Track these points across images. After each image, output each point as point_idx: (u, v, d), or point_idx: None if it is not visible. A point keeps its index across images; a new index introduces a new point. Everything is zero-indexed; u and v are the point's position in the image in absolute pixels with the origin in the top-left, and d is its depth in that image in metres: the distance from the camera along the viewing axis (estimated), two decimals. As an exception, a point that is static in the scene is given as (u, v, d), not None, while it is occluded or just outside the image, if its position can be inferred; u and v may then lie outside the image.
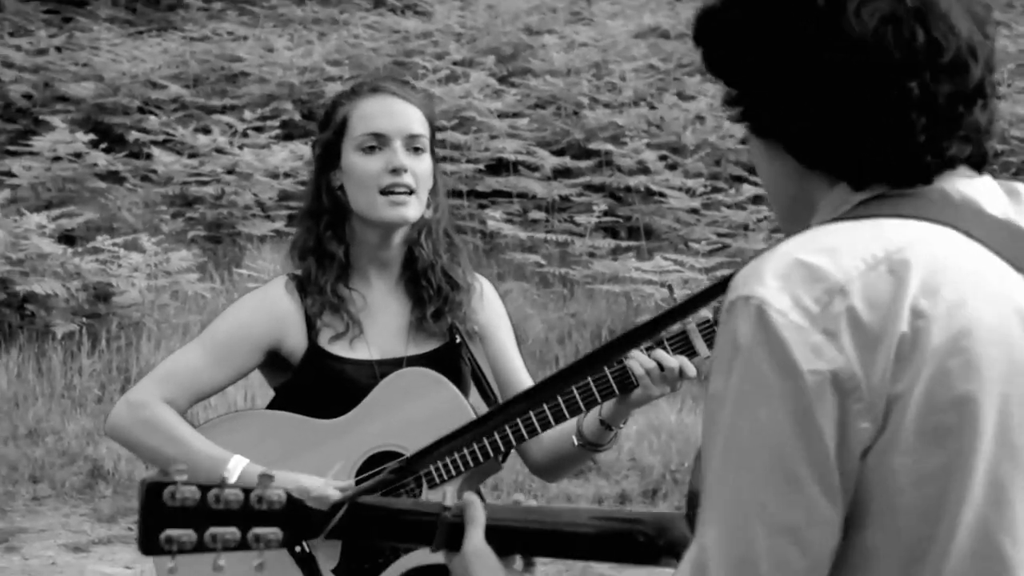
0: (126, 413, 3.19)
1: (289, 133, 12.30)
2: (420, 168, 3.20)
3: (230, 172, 11.52)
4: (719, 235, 10.98)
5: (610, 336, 9.50)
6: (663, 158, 11.91)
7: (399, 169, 3.16)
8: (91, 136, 11.71)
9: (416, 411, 3.14)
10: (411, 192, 3.17)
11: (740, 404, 1.51)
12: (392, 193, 3.16)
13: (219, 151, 11.75)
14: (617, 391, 3.06)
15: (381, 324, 3.27)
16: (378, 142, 3.19)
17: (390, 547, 3.16)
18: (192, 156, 11.78)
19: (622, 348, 1.85)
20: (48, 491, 7.89)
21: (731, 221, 11.22)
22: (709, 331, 3.05)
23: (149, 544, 1.90)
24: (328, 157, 3.25)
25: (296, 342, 3.23)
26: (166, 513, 1.90)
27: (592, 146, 12.06)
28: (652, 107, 12.66)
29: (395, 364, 3.23)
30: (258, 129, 12.10)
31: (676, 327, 3.03)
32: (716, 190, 11.42)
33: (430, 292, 3.26)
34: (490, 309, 3.37)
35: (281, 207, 11.19)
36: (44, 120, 12.34)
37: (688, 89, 13.06)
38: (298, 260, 3.29)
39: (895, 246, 1.53)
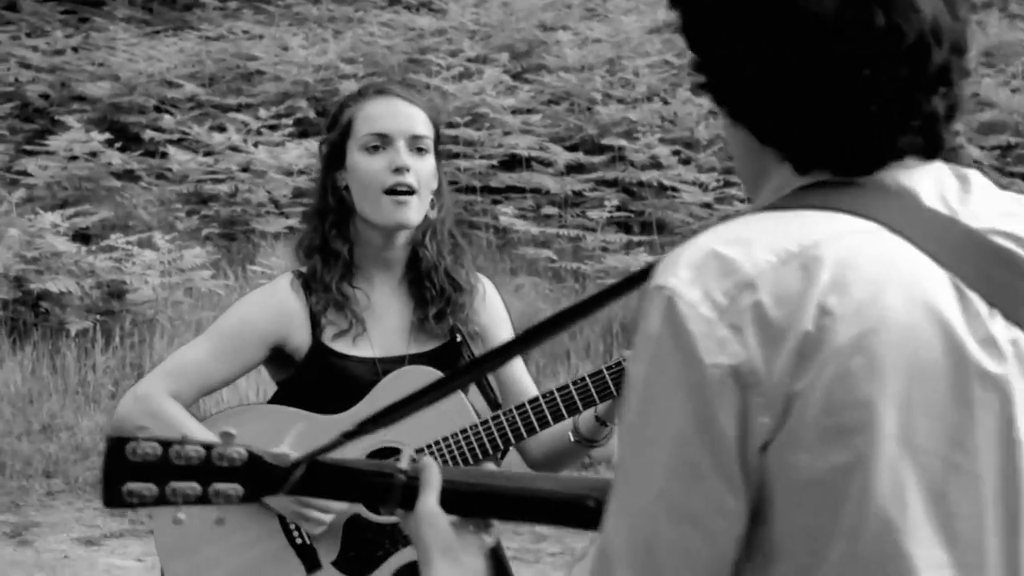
0: (133, 406, 3.24)
1: (304, 131, 12.34)
2: (423, 169, 3.23)
3: (244, 170, 11.58)
4: (732, 230, 10.95)
5: (613, 328, 9.53)
6: (676, 153, 11.92)
7: (401, 168, 3.19)
8: (107, 135, 11.78)
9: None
10: (413, 192, 3.20)
11: (647, 393, 1.52)
12: (394, 192, 3.19)
13: (234, 149, 11.81)
14: (615, 391, 3.09)
15: (384, 323, 3.31)
16: (381, 142, 3.23)
17: (389, 540, 3.20)
18: (207, 154, 11.84)
19: (556, 326, 1.78)
20: (62, 486, 7.96)
21: (744, 216, 11.21)
22: None
23: (111, 496, 1.95)
24: (334, 157, 3.29)
25: (300, 338, 3.27)
26: (128, 467, 1.94)
27: (605, 141, 12.08)
28: (665, 102, 12.66)
29: (397, 362, 3.26)
30: (273, 127, 12.15)
31: None
32: (728, 184, 11.42)
33: (433, 293, 3.30)
34: (491, 310, 3.40)
35: (295, 204, 11.22)
36: (60, 120, 12.41)
37: (701, 84, 13.04)
38: (304, 258, 3.33)
39: (810, 241, 1.51)
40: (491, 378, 3.33)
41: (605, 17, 14.74)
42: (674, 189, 11.53)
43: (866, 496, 1.48)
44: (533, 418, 3.14)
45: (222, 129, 12.24)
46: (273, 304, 3.30)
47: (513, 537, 6.88)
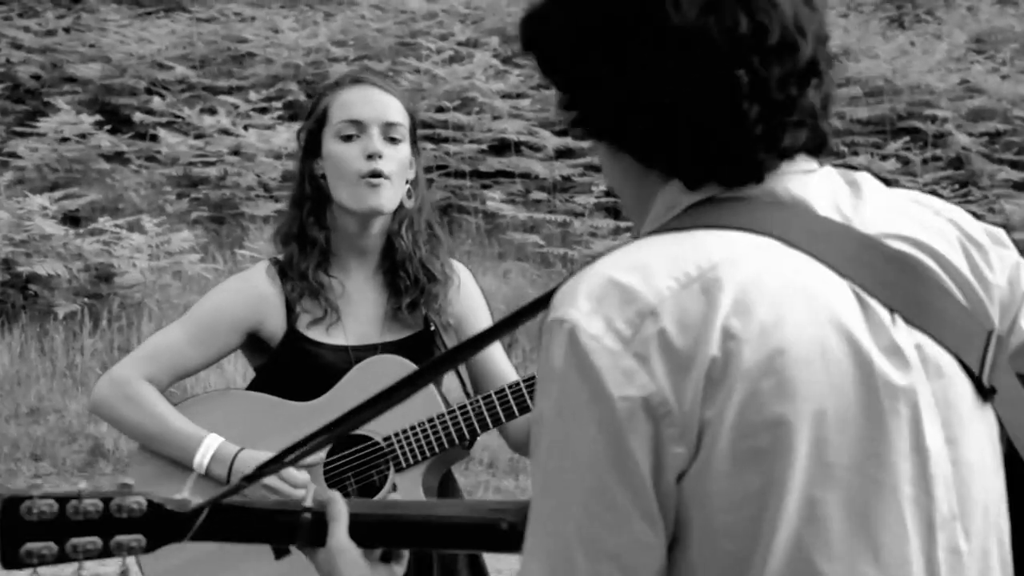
0: (108, 389, 3.29)
1: (294, 114, 12.33)
2: (396, 156, 3.26)
3: (234, 153, 11.59)
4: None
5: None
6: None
7: (374, 155, 3.23)
8: (97, 117, 11.78)
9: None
10: (385, 178, 3.23)
11: (556, 429, 1.48)
12: (367, 177, 3.22)
13: (224, 132, 11.81)
14: None
15: (358, 311, 3.34)
16: (356, 129, 3.26)
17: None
18: (198, 137, 11.84)
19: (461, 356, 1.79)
20: (50, 469, 8.00)
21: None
22: None
23: (9, 559, 1.92)
24: (311, 146, 3.33)
25: (275, 325, 3.31)
26: (25, 527, 1.91)
27: (594, 127, 12.07)
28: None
29: (370, 350, 3.29)
30: (263, 110, 12.16)
31: None
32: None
33: (407, 283, 3.32)
34: (467, 299, 3.42)
35: (284, 188, 11.19)
36: (51, 102, 12.41)
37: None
38: (281, 245, 3.37)
39: (709, 263, 1.48)
40: (462, 368, 3.36)
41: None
42: (662, 174, 11.52)
43: (779, 517, 1.46)
44: (499, 408, 3.18)
45: (212, 112, 12.24)
46: (248, 291, 3.33)
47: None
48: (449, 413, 3.19)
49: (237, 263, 10.04)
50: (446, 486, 3.35)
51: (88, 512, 1.92)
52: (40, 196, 9.94)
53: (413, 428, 3.19)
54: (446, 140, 11.88)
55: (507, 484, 7.90)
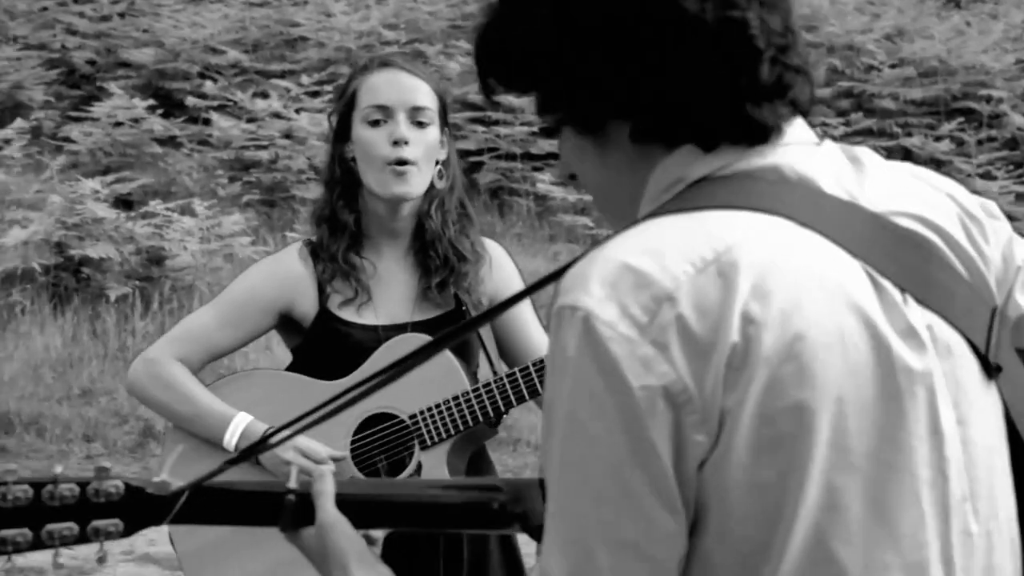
0: (142, 370, 3.33)
1: (346, 97, 12.36)
2: (424, 140, 3.27)
3: (286, 136, 11.65)
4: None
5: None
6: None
7: (400, 141, 3.24)
8: (150, 102, 11.87)
9: (412, 375, 3.18)
10: (411, 164, 3.25)
11: (572, 419, 1.44)
12: (392, 164, 3.24)
13: (276, 115, 11.87)
14: None
15: (389, 291, 3.35)
16: (382, 114, 3.27)
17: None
18: (250, 121, 11.91)
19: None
20: (101, 450, 8.06)
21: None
22: None
23: None
24: (341, 129, 3.35)
25: (307, 306, 3.33)
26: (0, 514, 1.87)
27: (645, 108, 12.04)
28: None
29: (400, 329, 3.30)
30: (315, 94, 12.21)
31: None
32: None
33: (436, 263, 3.33)
34: (499, 277, 3.42)
35: (335, 171, 11.24)
36: (105, 87, 12.51)
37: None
38: (314, 227, 3.39)
39: (724, 246, 1.45)
40: (489, 347, 3.36)
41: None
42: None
43: (799, 504, 1.44)
44: (523, 386, 3.18)
45: (265, 95, 12.31)
46: (280, 272, 3.37)
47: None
48: (474, 391, 3.20)
49: (288, 246, 10.05)
50: (478, 465, 3.35)
51: (64, 497, 1.88)
52: (92, 180, 10.03)
53: (438, 406, 3.20)
54: (497, 123, 11.89)
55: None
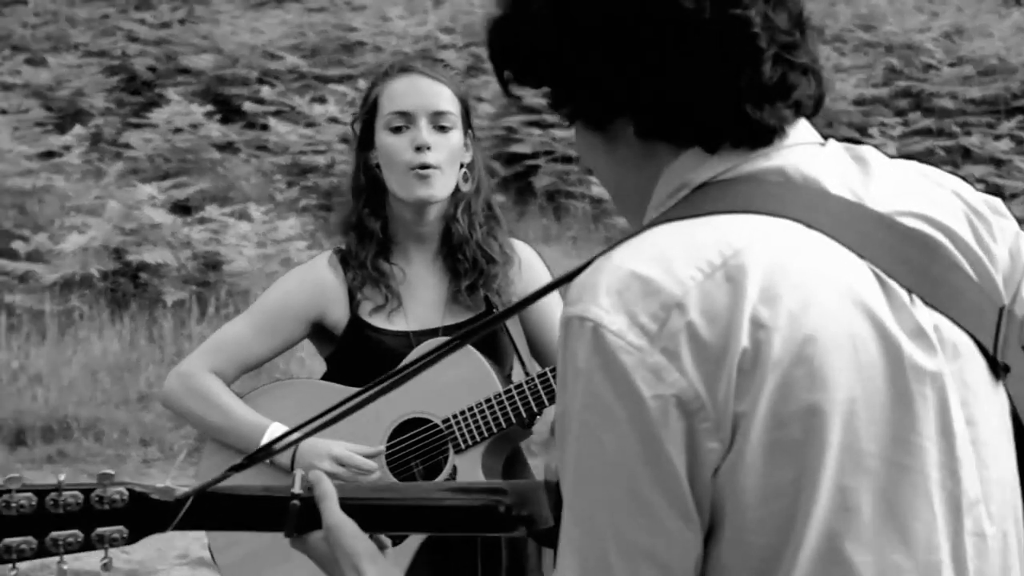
0: (176, 383, 3.36)
1: (403, 102, 12.40)
2: (447, 145, 3.28)
3: (344, 141, 11.69)
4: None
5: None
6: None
7: (422, 147, 3.25)
8: (208, 107, 11.96)
9: (444, 379, 3.20)
10: (434, 168, 3.26)
11: (585, 430, 1.44)
12: (416, 169, 3.26)
13: (333, 120, 11.93)
14: None
15: (420, 296, 3.37)
16: (404, 120, 3.28)
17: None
18: (308, 126, 11.97)
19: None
20: (157, 454, 8.11)
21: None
22: None
23: None
24: (365, 137, 3.36)
25: (339, 314, 3.35)
26: (3, 522, 1.88)
27: (701, 110, 12.00)
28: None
29: (431, 334, 3.32)
30: (372, 99, 12.22)
31: None
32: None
33: (465, 266, 3.34)
34: (529, 278, 3.42)
35: (391, 176, 11.28)
36: (164, 94, 12.61)
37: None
38: (342, 235, 3.42)
39: (731, 250, 1.44)
40: (521, 348, 3.37)
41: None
42: (770, 157, 11.44)
43: (812, 508, 1.44)
44: (555, 385, 3.19)
45: (322, 101, 12.37)
46: (311, 280, 3.38)
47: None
48: (506, 393, 3.20)
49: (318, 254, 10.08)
50: (513, 467, 3.37)
51: (68, 504, 1.90)
52: (149, 185, 10.11)
53: (471, 409, 3.22)
54: (552, 125, 11.89)
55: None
